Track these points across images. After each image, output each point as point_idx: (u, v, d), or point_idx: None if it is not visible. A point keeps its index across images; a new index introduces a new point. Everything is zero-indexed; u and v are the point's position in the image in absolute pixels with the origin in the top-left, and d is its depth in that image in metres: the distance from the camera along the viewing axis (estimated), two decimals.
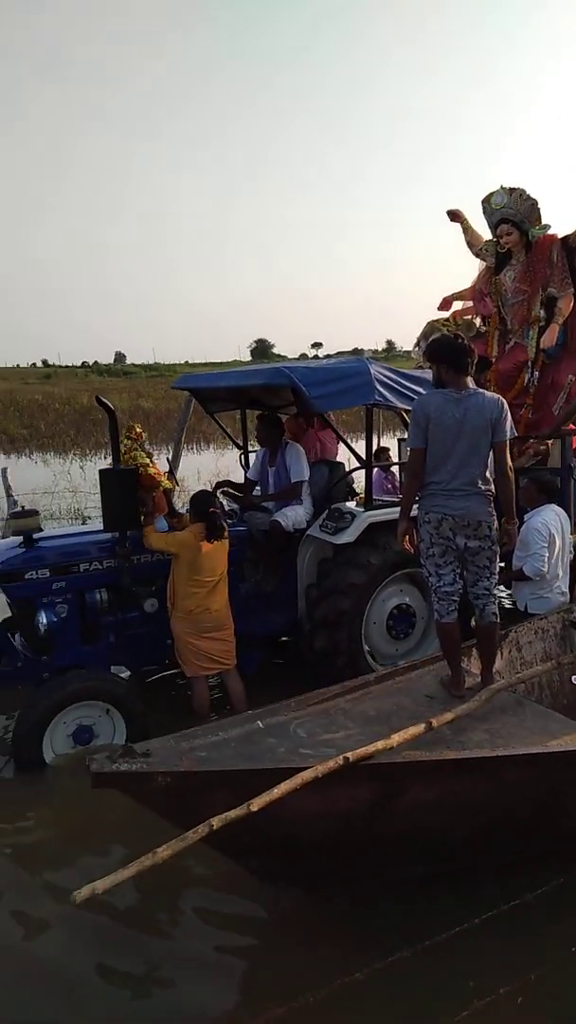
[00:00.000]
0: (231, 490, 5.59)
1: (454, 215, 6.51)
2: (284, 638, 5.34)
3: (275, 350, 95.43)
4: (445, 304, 6.76)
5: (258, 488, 5.53)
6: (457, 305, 6.75)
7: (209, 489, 5.08)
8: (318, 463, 5.45)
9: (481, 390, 3.40)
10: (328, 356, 24.19)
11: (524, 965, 2.66)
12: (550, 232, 5.86)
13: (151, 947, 2.90)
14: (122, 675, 4.66)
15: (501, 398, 3.38)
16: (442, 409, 3.31)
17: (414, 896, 2.98)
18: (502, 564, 3.82)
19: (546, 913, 2.92)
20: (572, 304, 5.76)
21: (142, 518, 4.35)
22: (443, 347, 3.42)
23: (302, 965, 2.71)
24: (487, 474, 3.38)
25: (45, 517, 5.49)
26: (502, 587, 4.77)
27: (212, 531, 4.30)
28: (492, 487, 3.40)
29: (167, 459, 8.08)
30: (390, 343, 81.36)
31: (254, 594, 5.03)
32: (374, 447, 5.31)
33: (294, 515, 4.99)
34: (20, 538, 4.32)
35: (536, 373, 5.97)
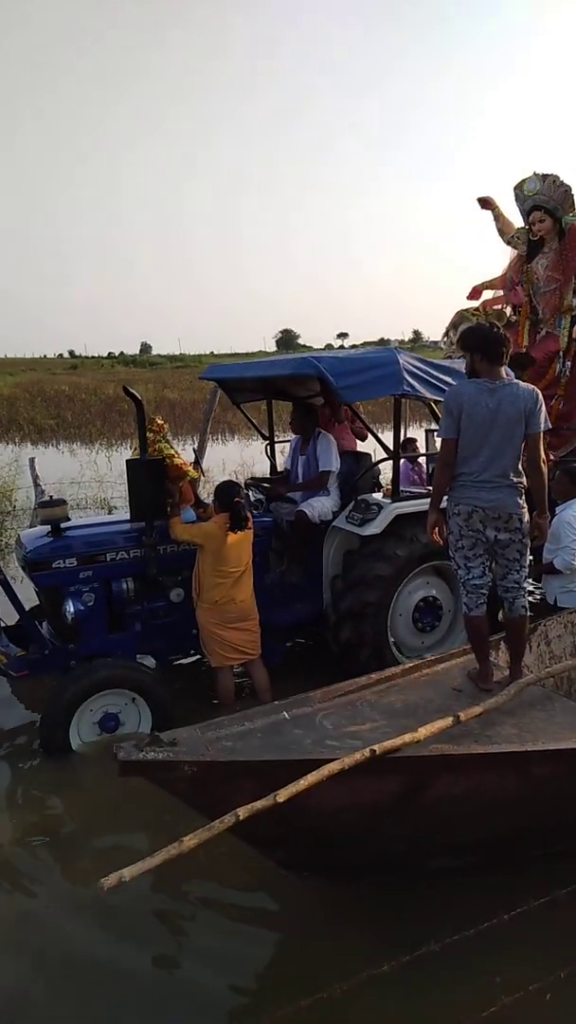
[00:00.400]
0: (257, 480, 5.60)
1: (485, 202, 6.42)
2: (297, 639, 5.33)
3: (300, 340, 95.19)
4: (475, 293, 6.67)
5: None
6: (487, 294, 6.65)
7: (234, 479, 5.08)
8: (344, 454, 5.42)
9: (516, 380, 3.34)
10: (354, 346, 24.06)
11: (553, 962, 2.63)
12: None
13: (174, 936, 2.92)
14: (148, 664, 4.69)
15: (536, 389, 3.31)
16: (475, 399, 3.26)
17: (441, 890, 2.96)
18: (531, 557, 3.76)
19: None
20: None
21: (168, 509, 4.36)
22: (478, 336, 3.36)
23: (327, 957, 2.71)
24: (519, 466, 3.32)
25: (71, 506, 5.52)
26: (531, 580, 4.71)
27: (236, 521, 4.29)
28: (524, 479, 3.33)
29: (193, 450, 8.10)
30: (416, 333, 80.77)
31: (279, 585, 5.02)
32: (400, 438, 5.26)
33: (320, 506, 4.97)
34: (48, 527, 4.35)
35: (568, 363, 5.88)
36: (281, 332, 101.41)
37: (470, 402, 3.26)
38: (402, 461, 5.39)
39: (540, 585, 5.21)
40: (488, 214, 6.43)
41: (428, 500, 4.65)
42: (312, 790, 2.36)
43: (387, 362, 4.60)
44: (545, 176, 5.73)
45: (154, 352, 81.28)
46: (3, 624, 4.59)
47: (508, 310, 6.42)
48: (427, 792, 2.68)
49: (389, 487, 4.94)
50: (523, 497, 3.33)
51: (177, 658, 5.02)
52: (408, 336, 79.86)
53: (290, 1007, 2.42)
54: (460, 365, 4.78)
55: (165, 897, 3.08)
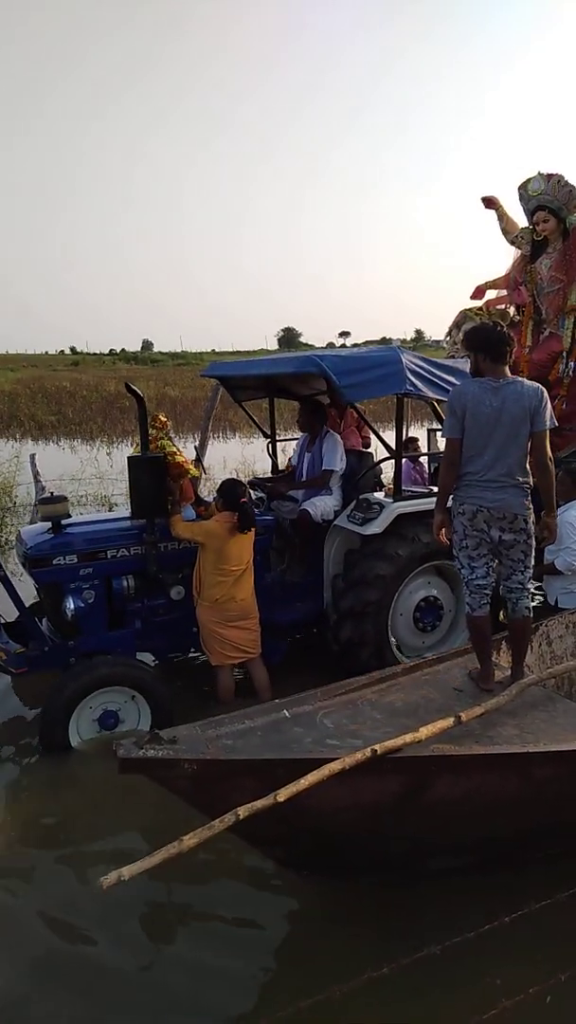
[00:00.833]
0: (259, 480, 5.59)
1: (489, 201, 6.40)
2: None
3: (302, 339, 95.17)
4: (478, 293, 6.66)
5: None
6: (491, 294, 6.64)
7: (236, 478, 5.07)
8: (347, 452, 5.41)
9: (520, 379, 3.31)
10: (356, 345, 24.02)
11: (554, 964, 2.62)
12: None
13: (173, 936, 2.90)
14: (148, 662, 4.68)
15: (540, 386, 3.28)
16: (479, 398, 3.24)
17: (441, 892, 2.95)
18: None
19: None
20: None
21: (169, 506, 4.35)
22: (482, 336, 3.33)
23: (327, 959, 2.70)
24: (526, 465, 3.28)
25: (72, 503, 5.51)
26: (532, 581, 4.70)
27: (244, 522, 4.27)
28: (530, 479, 3.30)
29: (194, 447, 8.08)
30: (419, 332, 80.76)
31: (280, 583, 5.01)
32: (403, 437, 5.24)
33: (323, 505, 4.96)
34: (49, 524, 4.34)
35: (571, 363, 5.86)
36: (283, 330, 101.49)
37: (474, 401, 3.24)
38: (403, 460, 5.38)
39: (540, 586, 5.20)
40: (492, 214, 6.41)
41: (429, 499, 4.66)
42: (312, 789, 2.34)
43: (390, 361, 4.59)
44: (550, 176, 5.71)
45: (155, 349, 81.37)
46: (3, 620, 4.58)
47: (512, 310, 6.41)
48: (428, 792, 2.67)
49: (391, 486, 4.93)
50: (529, 498, 3.30)
51: (177, 656, 5.01)
52: (410, 335, 79.86)
53: (290, 1008, 2.41)
54: (463, 364, 4.76)
55: (164, 896, 3.07)
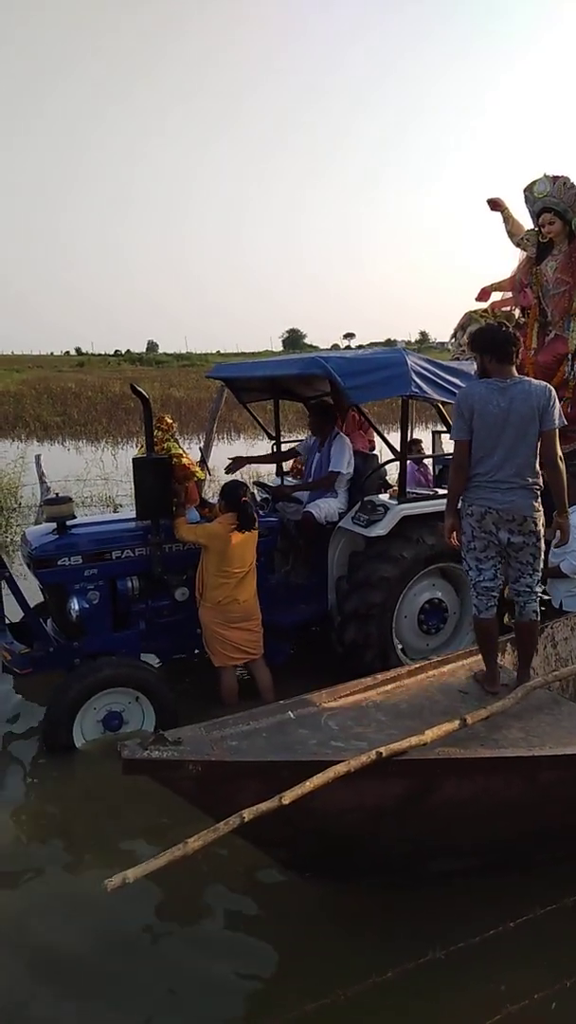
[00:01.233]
0: (264, 482, 5.59)
1: (495, 203, 6.38)
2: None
3: (307, 340, 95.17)
4: (483, 294, 6.63)
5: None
6: (496, 296, 6.62)
7: (239, 479, 5.07)
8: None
9: (527, 378, 3.30)
10: (361, 347, 23.99)
11: (559, 970, 2.61)
12: None
13: (176, 939, 2.89)
14: (152, 663, 4.68)
15: (548, 385, 3.26)
16: (486, 399, 3.22)
17: (446, 897, 2.94)
18: None
19: None
20: None
21: (174, 509, 4.35)
22: (488, 337, 3.32)
23: (330, 962, 2.69)
24: (535, 465, 3.26)
25: (77, 504, 5.51)
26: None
27: (244, 522, 4.28)
28: (540, 480, 3.28)
29: (199, 448, 8.09)
30: (423, 334, 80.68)
31: (284, 585, 5.00)
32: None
33: (327, 507, 4.95)
34: (54, 524, 4.34)
35: None
36: (287, 332, 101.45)
37: (481, 402, 3.23)
38: (408, 462, 5.37)
39: (546, 588, 5.19)
40: (497, 216, 6.40)
41: (434, 502, 4.65)
42: (317, 791, 2.34)
43: (395, 363, 4.58)
44: (555, 178, 5.69)
45: (160, 351, 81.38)
46: (8, 621, 4.58)
47: (517, 312, 6.39)
48: (433, 795, 2.66)
49: (395, 488, 4.92)
50: (539, 499, 3.27)
51: (181, 657, 5.01)
52: (415, 337, 79.80)
53: (294, 1012, 2.40)
54: (468, 367, 4.75)
55: (168, 899, 3.06)
